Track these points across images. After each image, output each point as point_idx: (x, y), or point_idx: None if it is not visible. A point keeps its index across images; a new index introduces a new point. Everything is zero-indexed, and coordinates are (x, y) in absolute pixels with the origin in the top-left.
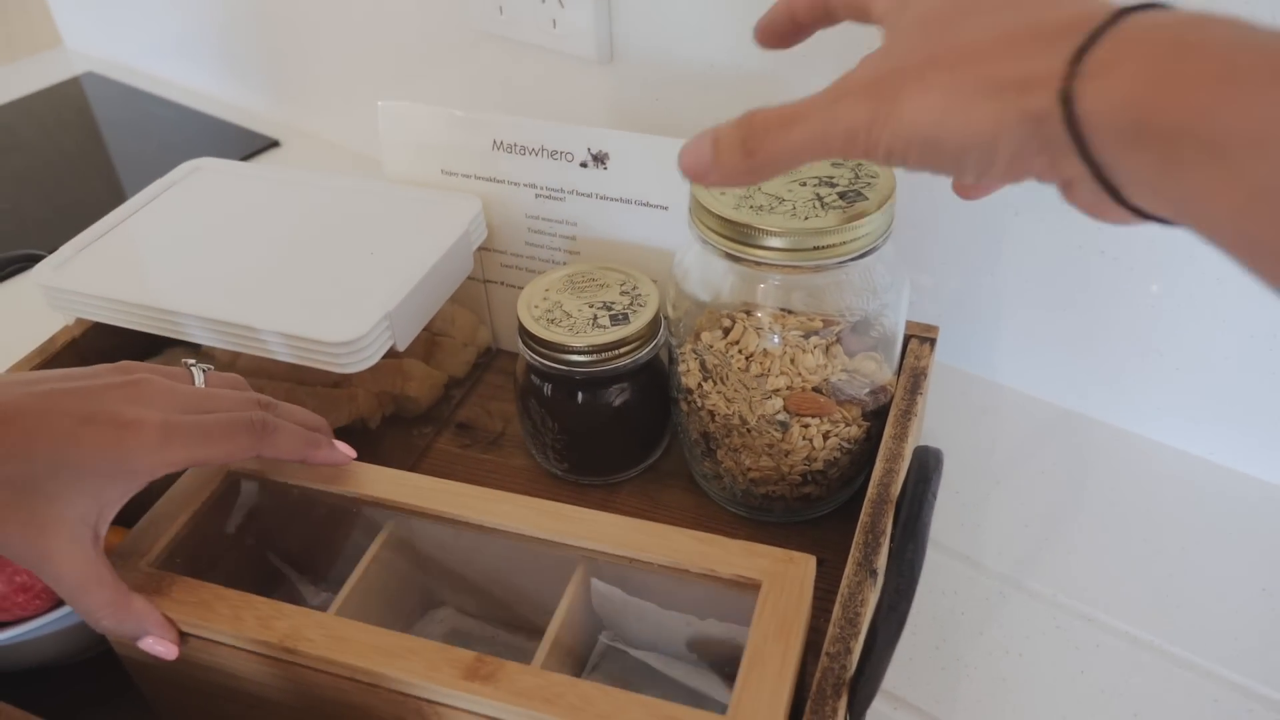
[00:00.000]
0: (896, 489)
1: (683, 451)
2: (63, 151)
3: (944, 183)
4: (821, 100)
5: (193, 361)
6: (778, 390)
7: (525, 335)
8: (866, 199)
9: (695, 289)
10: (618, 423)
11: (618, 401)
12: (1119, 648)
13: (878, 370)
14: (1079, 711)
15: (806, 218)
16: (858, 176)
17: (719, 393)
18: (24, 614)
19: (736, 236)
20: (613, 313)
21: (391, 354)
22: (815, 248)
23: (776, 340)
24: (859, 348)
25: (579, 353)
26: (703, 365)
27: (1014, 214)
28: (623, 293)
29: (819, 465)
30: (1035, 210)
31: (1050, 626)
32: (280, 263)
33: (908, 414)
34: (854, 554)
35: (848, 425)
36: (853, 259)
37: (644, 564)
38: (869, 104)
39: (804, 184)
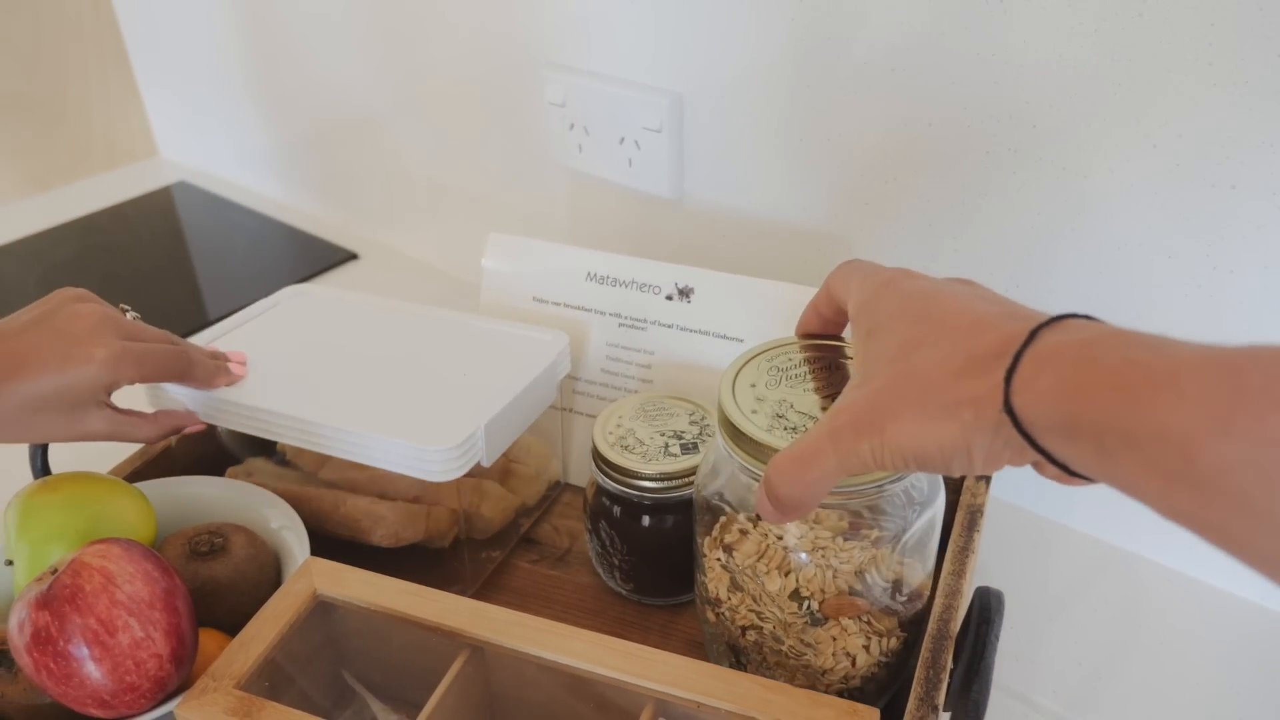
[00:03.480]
0: (956, 625)
1: None
2: (151, 258)
3: None
4: (824, 438)
5: (127, 308)
6: (809, 595)
7: (599, 459)
8: None
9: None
10: (683, 547)
11: (685, 527)
12: None
13: (914, 573)
14: None
15: None
16: None
17: (749, 607)
18: (129, 712)
19: (764, 459)
20: (683, 441)
21: (471, 472)
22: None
23: (805, 559)
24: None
25: (650, 479)
26: (731, 579)
27: None
28: (692, 422)
29: (856, 682)
30: None
31: None
32: (376, 378)
33: (965, 551)
34: (916, 689)
35: (886, 637)
36: (893, 482)
37: (711, 709)
38: (864, 440)
39: (836, 398)
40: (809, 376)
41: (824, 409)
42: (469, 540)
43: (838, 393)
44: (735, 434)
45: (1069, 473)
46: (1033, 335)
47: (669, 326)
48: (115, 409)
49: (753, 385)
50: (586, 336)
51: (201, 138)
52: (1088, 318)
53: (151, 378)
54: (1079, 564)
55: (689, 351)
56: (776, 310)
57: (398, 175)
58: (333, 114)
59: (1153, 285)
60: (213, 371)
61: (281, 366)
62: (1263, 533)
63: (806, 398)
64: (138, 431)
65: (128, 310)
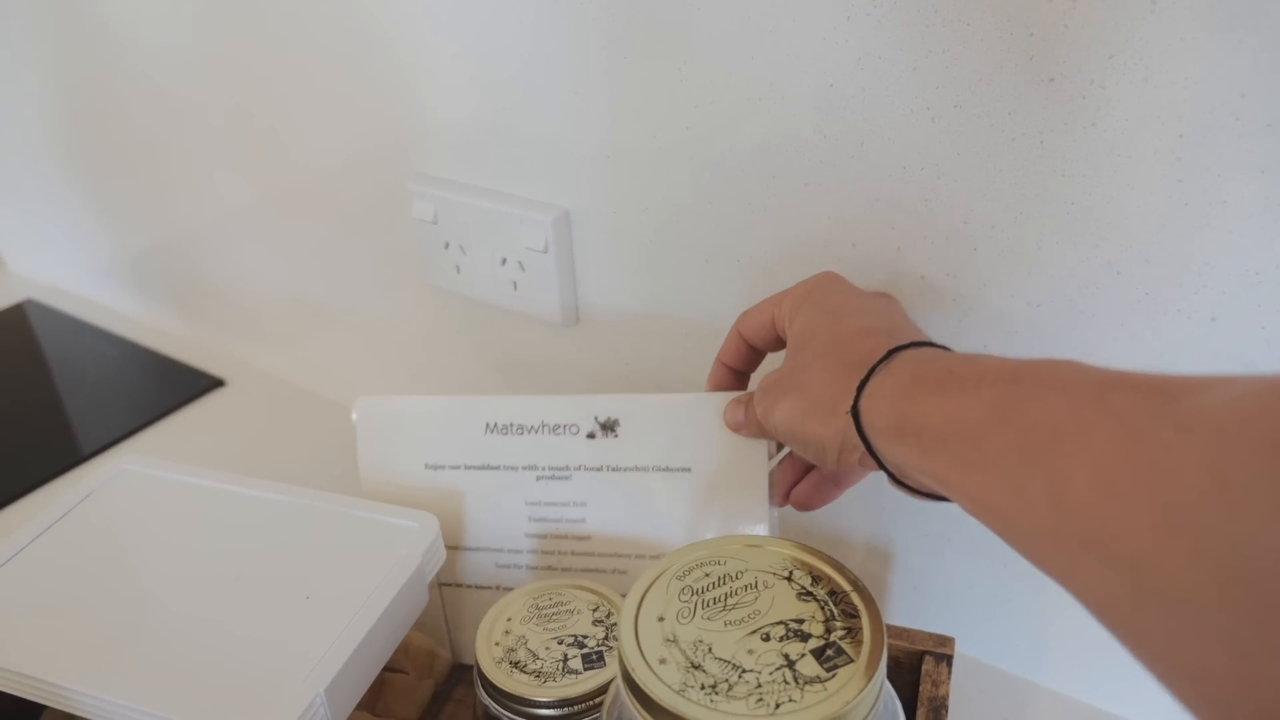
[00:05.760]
0: None
1: None
2: (7, 385)
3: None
4: (754, 395)
5: None
6: None
7: (484, 680)
8: (850, 658)
9: None
10: None
11: None
12: None
13: None
14: None
15: (778, 704)
16: (832, 617)
17: None
18: None
19: None
20: (585, 651)
21: None
22: None
23: None
24: None
25: (546, 706)
26: None
27: None
28: (596, 621)
29: None
30: None
31: None
32: (198, 612)
33: None
34: None
35: None
36: None
37: None
38: (763, 405)
39: (767, 637)
40: (730, 601)
41: (750, 652)
42: None
43: (766, 628)
44: (640, 695)
45: (892, 478)
46: (890, 354)
47: (597, 470)
48: None
49: (661, 618)
50: (499, 498)
51: (48, 250)
52: (948, 349)
53: None
54: None
55: (628, 495)
56: (719, 425)
57: (262, 292)
58: (186, 224)
59: None
60: None
61: (82, 601)
62: (1020, 509)
63: (727, 636)
64: None
65: None
